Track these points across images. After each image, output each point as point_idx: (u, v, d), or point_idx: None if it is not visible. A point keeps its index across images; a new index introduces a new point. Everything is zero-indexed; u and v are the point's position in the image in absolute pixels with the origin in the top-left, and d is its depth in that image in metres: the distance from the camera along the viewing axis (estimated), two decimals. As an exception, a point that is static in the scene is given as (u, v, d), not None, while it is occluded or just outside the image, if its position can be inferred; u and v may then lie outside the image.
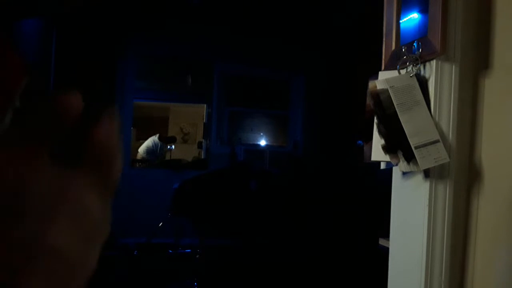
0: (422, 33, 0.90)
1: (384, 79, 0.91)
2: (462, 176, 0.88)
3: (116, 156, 0.27)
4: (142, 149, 6.41)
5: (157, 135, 6.46)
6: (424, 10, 0.91)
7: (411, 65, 0.90)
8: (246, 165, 4.85)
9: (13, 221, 0.22)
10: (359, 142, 4.22)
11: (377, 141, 0.96)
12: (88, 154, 0.26)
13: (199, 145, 6.71)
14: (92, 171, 0.26)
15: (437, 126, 0.86)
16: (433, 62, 0.87)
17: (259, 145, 5.75)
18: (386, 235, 1.06)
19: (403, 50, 0.93)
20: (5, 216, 0.22)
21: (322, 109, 5.46)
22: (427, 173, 0.89)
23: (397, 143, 0.89)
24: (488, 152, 0.86)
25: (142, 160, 6.31)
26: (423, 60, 0.89)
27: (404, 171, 0.93)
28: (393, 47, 0.98)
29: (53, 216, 0.23)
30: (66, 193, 0.24)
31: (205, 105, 5.95)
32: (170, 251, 4.27)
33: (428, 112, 0.87)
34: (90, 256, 0.26)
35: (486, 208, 0.86)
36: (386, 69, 0.98)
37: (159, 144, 6.39)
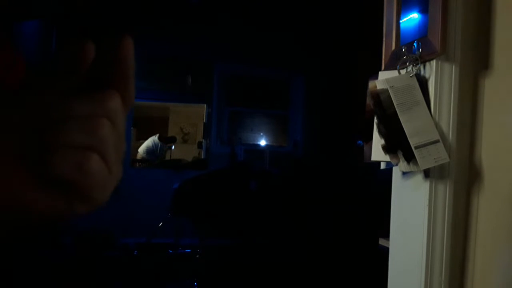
0: (422, 33, 0.90)
1: (384, 79, 0.90)
2: (462, 176, 0.88)
3: (133, 75, 0.34)
4: (142, 149, 6.41)
5: (157, 135, 6.45)
6: (424, 10, 0.91)
7: (411, 65, 0.90)
8: (246, 165, 4.85)
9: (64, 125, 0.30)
10: (359, 142, 4.23)
11: (377, 141, 0.96)
12: (113, 72, 0.33)
13: (199, 145, 6.71)
14: (117, 89, 0.32)
15: (437, 126, 0.86)
16: (433, 62, 0.87)
17: (259, 145, 5.75)
18: (386, 235, 1.06)
19: (403, 50, 0.93)
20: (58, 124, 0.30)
21: (322, 109, 5.46)
22: (427, 173, 0.89)
23: (397, 143, 0.89)
24: (488, 152, 0.86)
25: (142, 160, 6.30)
26: (423, 60, 0.89)
27: (404, 171, 0.93)
28: (393, 47, 0.98)
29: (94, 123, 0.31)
30: (102, 107, 0.31)
31: (205, 105, 5.95)
32: (170, 251, 4.27)
33: (428, 112, 0.87)
34: (117, 165, 0.33)
35: (486, 208, 0.86)
36: (386, 69, 0.98)
37: (159, 144, 6.38)
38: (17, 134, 0.30)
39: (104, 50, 0.32)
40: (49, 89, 0.31)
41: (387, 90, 0.88)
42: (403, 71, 0.92)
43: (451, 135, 0.87)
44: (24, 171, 0.30)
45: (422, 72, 0.90)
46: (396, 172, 0.99)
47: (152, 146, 6.34)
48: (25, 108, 0.30)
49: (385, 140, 0.92)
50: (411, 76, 0.89)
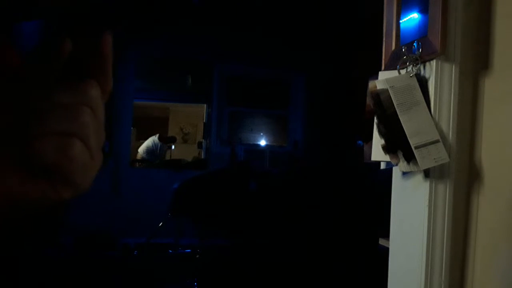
0: (422, 33, 0.90)
1: (384, 79, 0.90)
2: (462, 176, 0.88)
3: (111, 68, 0.37)
4: (142, 149, 6.41)
5: (157, 135, 6.45)
6: (424, 10, 0.91)
7: (411, 65, 0.90)
8: (246, 165, 4.85)
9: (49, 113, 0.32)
10: (359, 142, 4.22)
11: (377, 141, 0.96)
12: (93, 64, 0.36)
13: (199, 145, 6.71)
14: (97, 80, 0.35)
15: (437, 126, 0.86)
16: (433, 62, 0.87)
17: (259, 145, 5.75)
18: (386, 235, 1.06)
19: (403, 50, 0.93)
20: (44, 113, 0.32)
21: (322, 109, 5.46)
22: (427, 173, 0.89)
23: (397, 143, 0.89)
24: (488, 152, 0.86)
25: (142, 160, 6.30)
26: (423, 60, 0.89)
27: (404, 171, 0.93)
28: (393, 47, 0.98)
29: (78, 110, 0.33)
30: (83, 96, 0.34)
31: (205, 105, 5.95)
32: (170, 251, 4.27)
33: (428, 112, 0.87)
34: (98, 152, 0.35)
35: (486, 208, 0.86)
36: (386, 69, 0.98)
37: (159, 144, 6.39)
38: (3, 123, 0.31)
39: (85, 45, 0.36)
40: (33, 79, 0.32)
41: (387, 90, 0.88)
42: (403, 71, 0.92)
43: (451, 135, 0.87)
44: (10, 158, 0.31)
45: (422, 72, 0.90)
46: (396, 172, 0.99)
47: (152, 146, 6.35)
48: (10, 98, 0.31)
49: (385, 140, 0.92)
50: (411, 76, 0.89)
